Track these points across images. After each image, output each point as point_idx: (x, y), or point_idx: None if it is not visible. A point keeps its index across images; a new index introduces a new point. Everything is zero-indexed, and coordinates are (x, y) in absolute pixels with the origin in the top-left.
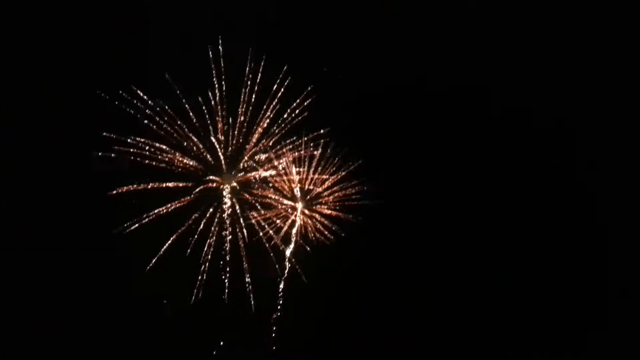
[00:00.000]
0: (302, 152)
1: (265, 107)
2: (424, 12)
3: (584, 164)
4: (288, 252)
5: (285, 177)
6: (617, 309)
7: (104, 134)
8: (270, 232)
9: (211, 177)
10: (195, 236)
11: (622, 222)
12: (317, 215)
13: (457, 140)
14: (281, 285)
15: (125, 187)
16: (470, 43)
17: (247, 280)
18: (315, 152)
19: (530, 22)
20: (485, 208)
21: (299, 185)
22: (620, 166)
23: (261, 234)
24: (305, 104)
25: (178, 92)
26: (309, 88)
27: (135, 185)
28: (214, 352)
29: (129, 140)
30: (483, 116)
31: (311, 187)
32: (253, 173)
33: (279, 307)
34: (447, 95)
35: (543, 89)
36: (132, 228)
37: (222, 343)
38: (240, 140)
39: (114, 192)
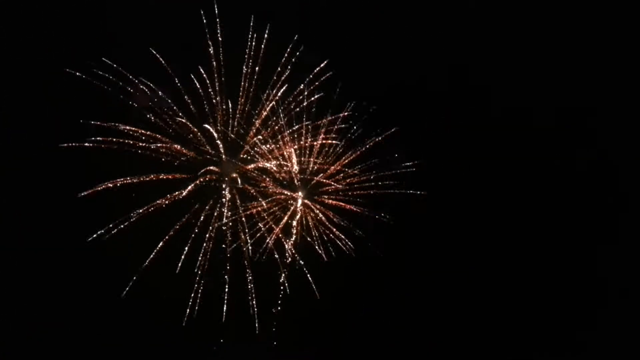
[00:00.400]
0: (303, 141)
1: (265, 96)
2: (424, 12)
3: (584, 163)
4: (288, 246)
5: (285, 168)
6: (617, 309)
7: (102, 124)
8: (271, 224)
9: (210, 167)
10: (196, 229)
11: (621, 222)
12: (318, 206)
13: (457, 140)
14: (282, 279)
15: (121, 180)
16: (470, 43)
17: (247, 274)
18: (316, 142)
19: (530, 22)
20: (485, 208)
21: (299, 175)
22: (621, 166)
23: (260, 225)
24: (306, 93)
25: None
26: (324, 63)
27: (133, 178)
28: (214, 348)
29: (126, 130)
30: (483, 116)
31: (313, 176)
32: (253, 165)
33: (279, 301)
34: (447, 95)
35: (543, 89)
36: (132, 220)
37: (222, 340)
38: (241, 131)
39: (110, 185)
